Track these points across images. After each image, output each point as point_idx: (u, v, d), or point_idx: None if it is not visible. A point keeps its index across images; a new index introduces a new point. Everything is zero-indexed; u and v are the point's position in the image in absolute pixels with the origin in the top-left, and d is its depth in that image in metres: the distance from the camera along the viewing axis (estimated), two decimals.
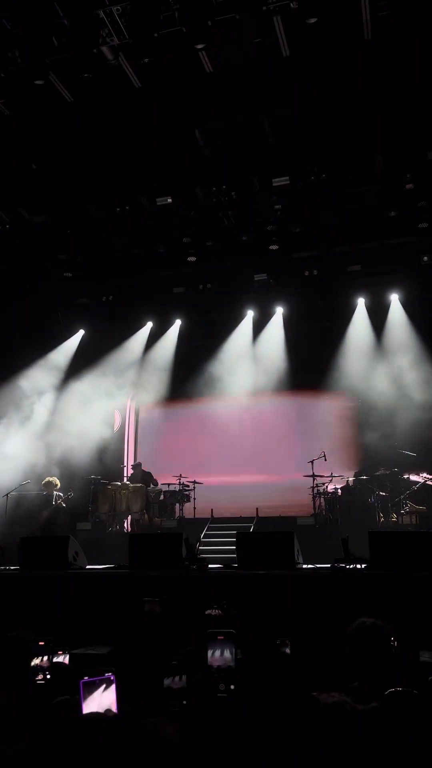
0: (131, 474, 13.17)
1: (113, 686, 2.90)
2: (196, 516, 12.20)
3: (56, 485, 11.96)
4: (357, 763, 2.31)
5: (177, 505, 12.21)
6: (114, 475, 13.28)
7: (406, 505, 10.77)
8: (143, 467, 13.03)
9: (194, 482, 12.34)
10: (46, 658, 3.84)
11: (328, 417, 13.73)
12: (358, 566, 6.79)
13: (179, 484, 12.24)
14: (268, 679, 3.50)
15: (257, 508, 12.58)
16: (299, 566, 7.30)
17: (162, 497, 12.41)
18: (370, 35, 7.87)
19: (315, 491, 11.23)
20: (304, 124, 9.31)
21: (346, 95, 8.73)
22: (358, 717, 2.50)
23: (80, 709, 2.78)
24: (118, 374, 13.36)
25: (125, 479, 13.16)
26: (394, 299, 12.51)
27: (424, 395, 11.95)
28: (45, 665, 3.81)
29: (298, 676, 3.58)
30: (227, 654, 3.60)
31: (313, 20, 7.29)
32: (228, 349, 13.29)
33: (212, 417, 14.43)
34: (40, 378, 13.29)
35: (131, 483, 12.52)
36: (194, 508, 12.26)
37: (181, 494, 12.26)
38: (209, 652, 3.60)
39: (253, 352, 13.28)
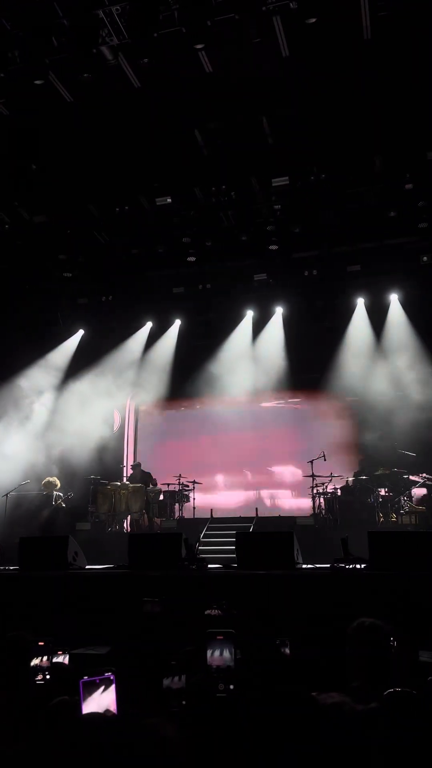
0: (131, 474, 13.17)
1: (113, 686, 2.90)
2: (196, 516, 12.20)
3: (56, 485, 11.96)
4: (357, 763, 2.32)
5: (176, 505, 12.21)
6: (113, 475, 13.28)
7: (406, 505, 10.78)
8: (142, 467, 13.03)
9: (194, 482, 12.34)
10: (45, 658, 3.85)
11: (327, 417, 13.74)
12: (358, 566, 6.79)
13: (179, 484, 12.24)
14: (268, 679, 3.50)
15: (257, 508, 12.60)
16: (299, 566, 7.29)
17: (161, 497, 12.41)
18: (369, 35, 7.86)
19: (314, 491, 11.23)
20: (303, 124, 9.32)
21: (345, 95, 8.73)
22: (357, 717, 2.50)
23: (80, 709, 2.78)
24: (117, 374, 13.36)
25: (125, 479, 13.16)
26: (394, 299, 12.51)
27: (423, 395, 11.96)
28: (45, 665, 3.82)
29: (298, 676, 3.57)
30: (226, 654, 3.60)
31: (312, 20, 7.29)
32: (228, 349, 13.29)
33: (212, 417, 14.43)
34: (39, 378, 13.30)
35: (131, 483, 12.52)
36: (194, 508, 12.26)
37: (181, 494, 12.26)
38: (208, 652, 3.60)
39: (253, 352, 13.28)
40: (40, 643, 3.86)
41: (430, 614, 5.48)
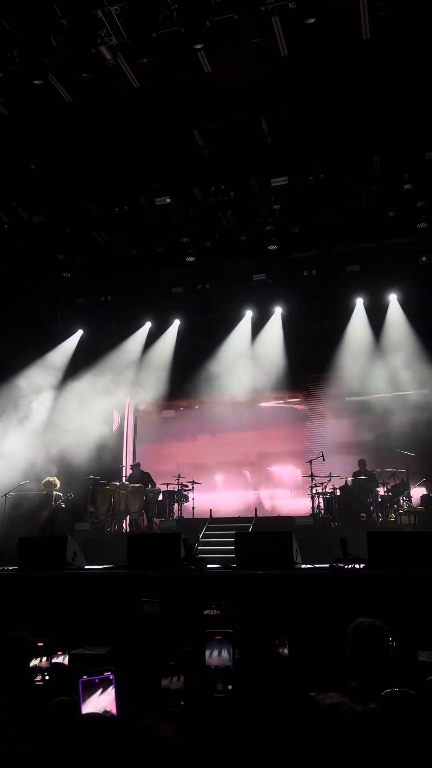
0: (130, 474, 13.16)
1: (112, 686, 2.90)
2: (195, 516, 12.20)
3: (56, 485, 11.95)
4: (356, 763, 2.32)
5: (175, 505, 12.20)
6: (112, 475, 13.27)
7: (405, 505, 10.79)
8: (142, 467, 13.03)
9: (193, 482, 12.34)
10: (45, 658, 3.84)
11: (326, 417, 13.74)
12: (357, 566, 6.79)
13: (178, 484, 12.23)
14: (267, 679, 3.50)
15: (255, 508, 12.61)
16: (298, 566, 7.30)
17: (160, 497, 12.40)
18: (368, 35, 7.86)
19: (313, 491, 11.23)
20: (302, 125, 9.32)
21: (344, 95, 8.74)
22: (357, 717, 2.50)
23: (79, 709, 2.78)
24: (116, 374, 13.35)
25: (124, 479, 13.16)
26: (393, 299, 12.51)
27: (422, 395, 11.97)
28: (44, 666, 3.81)
29: (297, 677, 3.58)
30: (225, 654, 3.60)
31: (311, 20, 7.30)
32: (227, 349, 13.29)
33: (211, 417, 14.44)
34: (38, 377, 13.29)
35: (130, 483, 12.52)
36: (193, 508, 12.26)
37: (180, 494, 12.25)
38: (207, 653, 3.60)
39: (252, 352, 13.27)
40: (39, 644, 3.86)
41: (430, 614, 5.48)
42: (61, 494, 11.90)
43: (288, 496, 13.67)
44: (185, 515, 12.18)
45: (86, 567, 8.23)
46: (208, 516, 12.21)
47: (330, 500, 11.09)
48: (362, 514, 10.54)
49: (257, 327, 13.42)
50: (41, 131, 9.62)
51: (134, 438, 15.24)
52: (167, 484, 12.33)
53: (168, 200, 10.80)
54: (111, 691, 2.88)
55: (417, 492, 11.24)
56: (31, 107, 9.04)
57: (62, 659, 3.97)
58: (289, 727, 2.35)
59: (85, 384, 13.15)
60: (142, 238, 12.03)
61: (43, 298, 13.62)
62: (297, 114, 9.23)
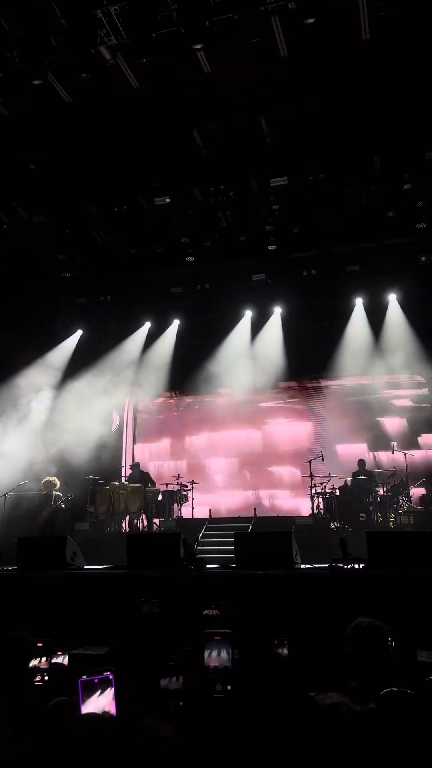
0: (129, 474, 13.16)
1: (111, 686, 2.90)
2: (194, 516, 12.20)
3: (56, 485, 11.93)
4: (356, 763, 2.32)
5: (175, 505, 12.20)
6: (112, 475, 13.27)
7: (404, 505, 10.79)
8: (141, 467, 13.03)
9: (192, 482, 12.34)
10: (44, 659, 3.84)
11: (326, 417, 13.75)
12: (356, 566, 6.79)
13: (177, 484, 12.23)
14: (267, 679, 3.51)
15: (255, 508, 12.61)
16: (297, 566, 7.30)
17: (160, 497, 12.40)
18: (368, 35, 7.86)
19: (313, 491, 11.23)
20: (302, 125, 9.32)
21: (344, 95, 8.74)
22: (356, 717, 2.51)
23: (78, 709, 2.78)
24: (116, 374, 13.36)
25: (123, 479, 13.15)
26: (393, 299, 12.52)
27: (421, 395, 11.99)
28: (44, 666, 3.81)
29: (297, 677, 3.58)
30: (224, 654, 3.60)
31: (311, 20, 7.29)
32: (226, 349, 13.28)
33: (210, 417, 14.45)
34: (38, 377, 13.29)
35: (129, 483, 12.52)
36: (192, 508, 12.25)
37: (179, 494, 12.25)
38: (206, 653, 3.60)
39: (252, 351, 13.27)
40: (39, 644, 3.86)
41: (429, 614, 5.49)
42: (60, 494, 11.89)
43: (287, 496, 13.67)
44: (185, 515, 12.18)
45: (86, 567, 8.22)
46: (207, 516, 12.21)
47: (329, 500, 11.09)
48: (362, 514, 10.54)
49: (257, 327, 13.41)
50: (41, 131, 9.61)
51: (134, 438, 15.24)
52: (167, 484, 12.33)
53: (167, 200, 10.79)
54: (110, 692, 2.88)
55: (416, 492, 11.25)
56: (30, 107, 9.02)
57: (62, 659, 3.98)
58: (288, 727, 2.35)
59: (84, 384, 13.14)
60: (142, 238, 12.03)
61: (42, 298, 13.62)
62: (296, 114, 9.23)
